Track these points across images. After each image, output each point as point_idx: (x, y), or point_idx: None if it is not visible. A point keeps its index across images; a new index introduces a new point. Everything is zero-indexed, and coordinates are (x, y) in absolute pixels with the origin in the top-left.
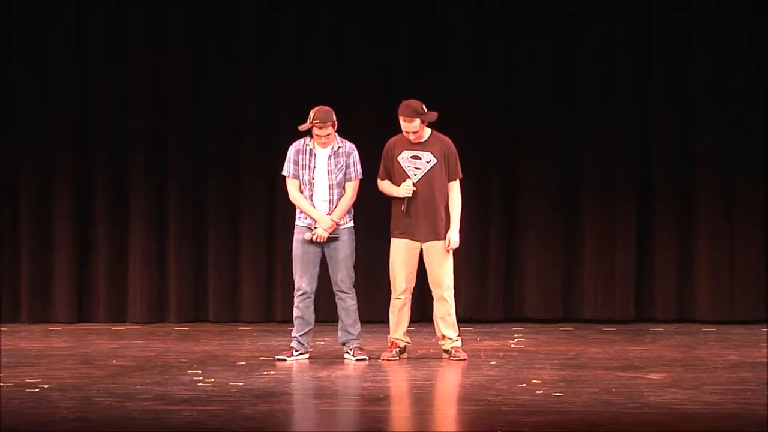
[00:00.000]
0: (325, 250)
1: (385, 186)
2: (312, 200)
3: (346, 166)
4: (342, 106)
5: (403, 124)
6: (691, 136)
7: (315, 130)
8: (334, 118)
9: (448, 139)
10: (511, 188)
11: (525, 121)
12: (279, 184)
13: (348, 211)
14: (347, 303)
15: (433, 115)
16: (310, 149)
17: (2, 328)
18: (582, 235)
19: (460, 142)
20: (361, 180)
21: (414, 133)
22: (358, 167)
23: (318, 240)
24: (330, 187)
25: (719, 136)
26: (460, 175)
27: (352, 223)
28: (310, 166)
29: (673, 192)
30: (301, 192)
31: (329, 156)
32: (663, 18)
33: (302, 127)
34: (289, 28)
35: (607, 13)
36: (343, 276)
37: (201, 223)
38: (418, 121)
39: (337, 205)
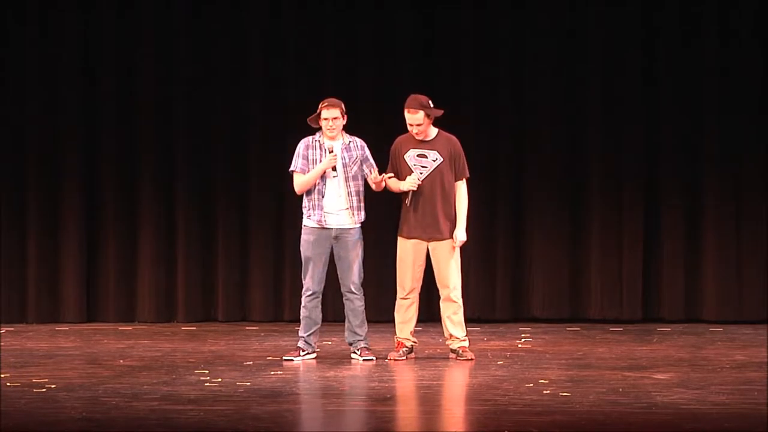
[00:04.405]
0: (334, 250)
1: (392, 183)
2: (324, 195)
3: (363, 159)
4: (348, 106)
5: (408, 116)
6: (697, 137)
7: (323, 113)
8: (344, 108)
9: (455, 139)
10: (518, 188)
11: (532, 121)
12: (287, 183)
13: (360, 209)
14: (355, 304)
15: (438, 112)
16: (320, 144)
17: (10, 328)
18: (589, 236)
19: (467, 142)
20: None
21: (417, 125)
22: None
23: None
24: (346, 180)
25: (726, 136)
26: (467, 175)
27: (360, 224)
28: (321, 160)
29: (680, 192)
30: (311, 191)
31: (342, 149)
32: (667, 17)
33: (310, 118)
34: (294, 27)
35: (612, 14)
36: (351, 276)
37: (209, 223)
38: (422, 113)
39: (357, 198)
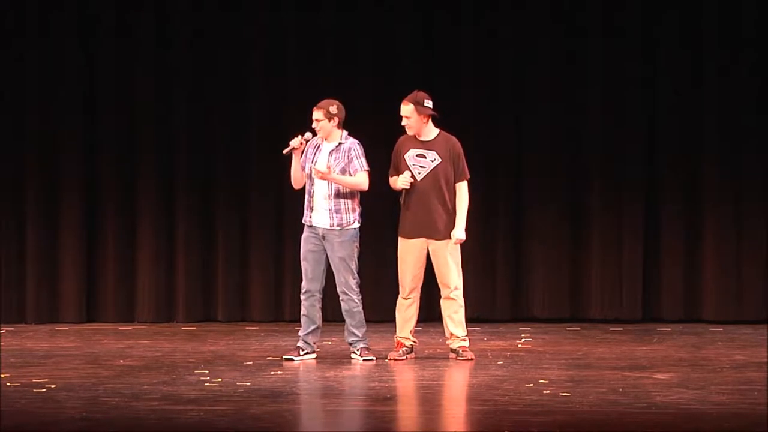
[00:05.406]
0: (326, 251)
1: (392, 182)
2: (313, 194)
3: (348, 160)
4: (348, 106)
5: (401, 108)
6: (697, 136)
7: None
8: (333, 110)
9: (455, 140)
10: (518, 188)
11: (532, 122)
12: (287, 184)
13: (341, 211)
14: (349, 305)
15: (428, 110)
16: (318, 144)
17: (9, 328)
18: (589, 236)
19: (467, 142)
20: (369, 173)
21: (406, 118)
22: (362, 160)
23: (293, 147)
24: (328, 181)
25: (726, 135)
26: (468, 176)
27: (356, 225)
28: (312, 159)
29: (680, 192)
30: (305, 186)
31: (330, 151)
32: (667, 16)
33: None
34: (294, 27)
35: (612, 15)
36: (339, 277)
37: (209, 223)
38: (411, 107)
39: (336, 200)
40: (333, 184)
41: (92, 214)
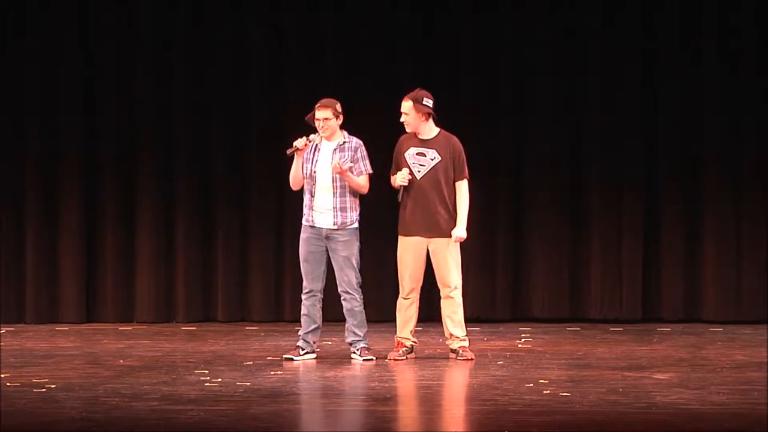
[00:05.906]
0: (328, 250)
1: (392, 180)
2: (315, 194)
3: (353, 161)
4: (348, 106)
5: (401, 104)
6: (697, 136)
7: (316, 114)
8: (338, 108)
9: (455, 139)
10: (518, 188)
11: (532, 121)
12: (287, 184)
13: (346, 210)
14: (351, 304)
15: (426, 108)
16: (316, 144)
17: (9, 328)
18: (589, 235)
19: (467, 142)
20: (370, 176)
21: (405, 114)
22: (367, 162)
23: (297, 147)
24: (333, 179)
25: (726, 135)
26: (467, 176)
27: (357, 224)
28: (312, 159)
29: (679, 192)
30: (305, 191)
31: (334, 150)
32: (667, 17)
33: (308, 117)
34: (294, 27)
35: (612, 13)
36: (345, 277)
37: (209, 223)
38: (410, 103)
39: (342, 198)
40: (338, 183)
41: (92, 214)
